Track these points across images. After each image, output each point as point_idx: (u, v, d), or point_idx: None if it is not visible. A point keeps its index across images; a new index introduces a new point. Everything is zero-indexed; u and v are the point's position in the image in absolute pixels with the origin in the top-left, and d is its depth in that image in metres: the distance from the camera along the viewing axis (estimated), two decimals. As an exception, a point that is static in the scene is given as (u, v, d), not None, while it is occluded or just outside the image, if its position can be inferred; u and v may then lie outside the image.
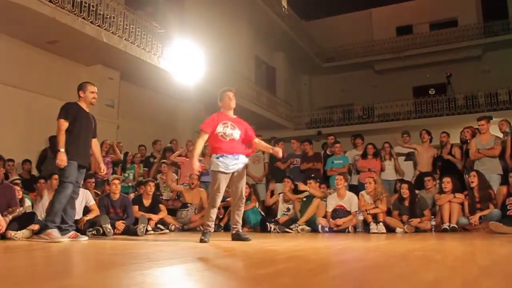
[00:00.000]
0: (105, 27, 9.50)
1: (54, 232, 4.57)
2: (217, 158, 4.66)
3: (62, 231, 4.71)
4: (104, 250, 4.06)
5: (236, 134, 4.81)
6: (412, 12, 22.04)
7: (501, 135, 8.01)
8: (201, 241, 4.51)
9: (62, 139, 4.77)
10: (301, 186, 7.59)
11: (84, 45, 9.71)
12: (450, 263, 2.71)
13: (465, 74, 19.14)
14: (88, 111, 5.14)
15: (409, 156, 8.89)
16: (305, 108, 22.27)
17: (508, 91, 17.19)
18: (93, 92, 5.11)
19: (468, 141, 8.14)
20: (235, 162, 4.69)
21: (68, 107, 4.98)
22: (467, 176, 7.80)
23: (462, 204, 6.86)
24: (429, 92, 17.98)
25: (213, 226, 4.81)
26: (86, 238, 5.16)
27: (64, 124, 4.84)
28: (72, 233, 4.87)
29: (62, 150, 4.72)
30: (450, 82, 17.88)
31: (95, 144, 5.28)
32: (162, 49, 11.20)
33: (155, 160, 9.56)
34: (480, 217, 6.52)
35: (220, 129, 4.78)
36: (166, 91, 12.91)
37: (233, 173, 4.71)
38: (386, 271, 2.47)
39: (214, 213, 4.80)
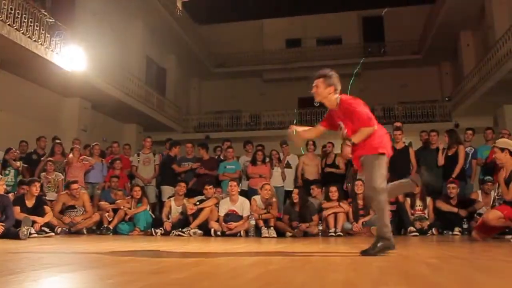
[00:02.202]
0: (-15, 10, 8.66)
1: None
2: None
3: None
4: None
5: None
6: (301, 26, 23.12)
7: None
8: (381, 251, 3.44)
9: None
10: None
11: (-42, 27, 8.77)
12: (352, 265, 2.92)
13: (347, 89, 20.47)
14: None
15: (288, 164, 9.23)
16: (194, 112, 22.25)
17: (383, 108, 18.79)
18: None
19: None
20: None
21: None
22: (349, 184, 8.42)
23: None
24: (314, 104, 18.98)
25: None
26: None
27: None
28: None
29: None
30: (333, 96, 19.00)
31: None
32: (50, 40, 10.46)
33: (42, 158, 8.89)
34: (363, 223, 7.08)
35: None
36: (50, 85, 12.12)
37: None
38: (301, 272, 2.58)
39: None
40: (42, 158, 8.91)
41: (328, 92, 3.71)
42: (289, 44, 23.46)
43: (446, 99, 18.43)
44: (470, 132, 8.68)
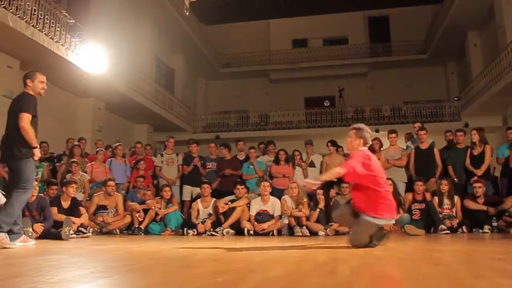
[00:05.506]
0: (11, 10, 8.63)
1: (4, 236, 4.13)
2: None
3: (14, 234, 4.24)
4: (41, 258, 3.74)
5: None
6: (307, 26, 23.13)
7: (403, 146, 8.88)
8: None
9: (32, 133, 4.46)
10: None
11: (-17, 28, 8.75)
12: (424, 260, 2.98)
13: (354, 88, 20.62)
14: None
15: (313, 163, 9.30)
16: (201, 112, 22.28)
17: (391, 108, 18.87)
18: (42, 82, 4.64)
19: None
20: None
21: (32, 99, 4.51)
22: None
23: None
24: (324, 103, 19.07)
25: None
26: (34, 242, 4.71)
27: (29, 119, 4.43)
28: (23, 237, 4.46)
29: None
30: (342, 96, 19.12)
31: None
32: (70, 41, 10.46)
33: (62, 160, 8.92)
34: (393, 221, 7.16)
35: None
36: (67, 86, 12.15)
37: None
38: (390, 267, 2.64)
39: None
40: (62, 161, 8.93)
41: (357, 143, 4.10)
42: (296, 44, 23.47)
43: (455, 98, 18.50)
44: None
